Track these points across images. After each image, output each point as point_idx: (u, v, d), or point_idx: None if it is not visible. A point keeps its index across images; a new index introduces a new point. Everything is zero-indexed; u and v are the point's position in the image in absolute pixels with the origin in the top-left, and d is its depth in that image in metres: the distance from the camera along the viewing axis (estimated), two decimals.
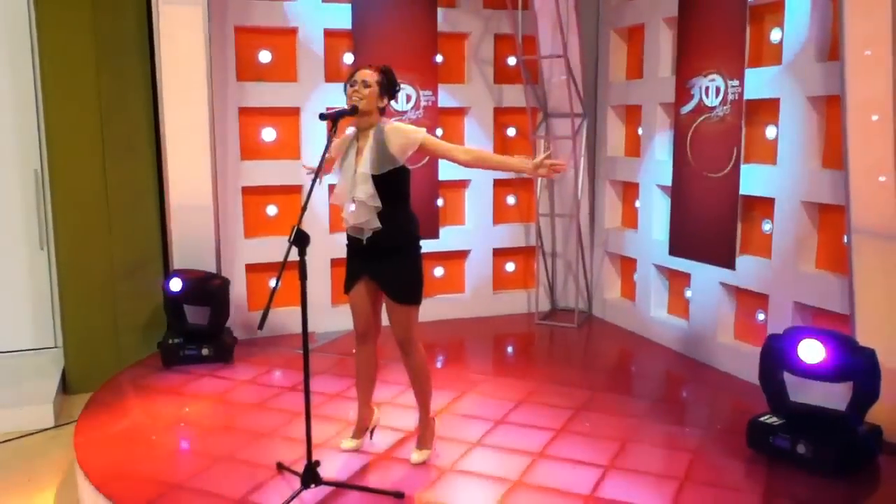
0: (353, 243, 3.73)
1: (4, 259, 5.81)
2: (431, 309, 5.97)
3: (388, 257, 3.65)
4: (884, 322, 4.00)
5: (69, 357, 5.62)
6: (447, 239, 6.35)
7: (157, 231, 5.74)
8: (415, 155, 3.60)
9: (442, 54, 6.26)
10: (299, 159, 5.97)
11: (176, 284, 5.32)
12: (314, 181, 3.43)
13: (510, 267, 6.86)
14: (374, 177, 3.53)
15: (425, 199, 5.80)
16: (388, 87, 3.66)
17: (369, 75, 3.60)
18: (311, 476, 3.42)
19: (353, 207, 3.59)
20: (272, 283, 3.33)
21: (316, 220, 5.95)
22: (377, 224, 3.58)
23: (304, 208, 3.42)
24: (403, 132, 3.58)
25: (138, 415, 4.53)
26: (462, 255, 6.65)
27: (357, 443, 3.99)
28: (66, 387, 5.56)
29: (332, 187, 3.81)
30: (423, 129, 3.62)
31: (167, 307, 5.41)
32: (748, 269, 5.03)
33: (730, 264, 4.93)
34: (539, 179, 6.49)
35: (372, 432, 4.05)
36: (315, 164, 3.56)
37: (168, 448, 4.13)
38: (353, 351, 3.94)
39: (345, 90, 3.64)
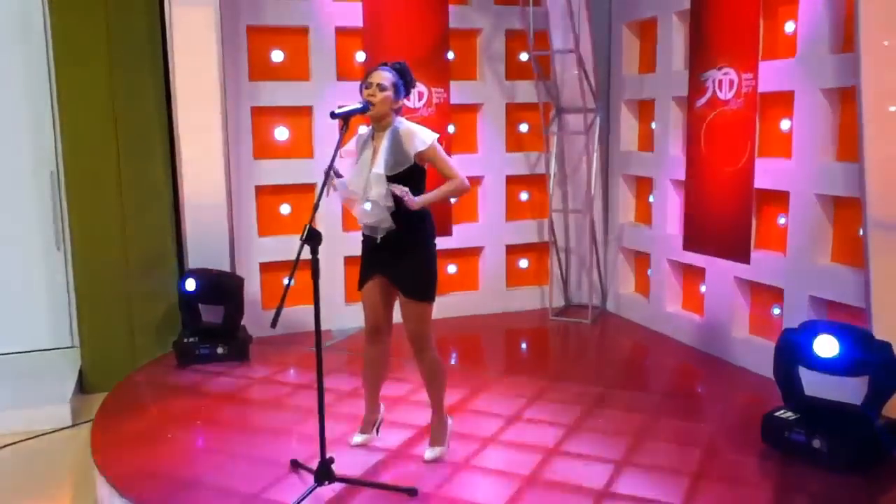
0: (367, 241, 3.74)
1: (22, 260, 5.86)
2: (445, 306, 5.95)
3: (402, 254, 3.66)
4: None
5: (86, 356, 5.66)
6: (460, 236, 6.34)
7: (171, 230, 5.77)
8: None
9: (453, 51, 6.25)
10: (312, 158, 6.00)
11: (190, 283, 5.35)
12: (326, 180, 3.44)
13: (524, 263, 6.85)
14: (388, 177, 3.54)
15: None
16: (405, 87, 3.66)
17: (385, 78, 3.59)
18: (325, 473, 3.43)
19: (367, 207, 3.61)
20: (286, 281, 3.35)
21: (329, 219, 5.96)
22: (391, 224, 3.59)
23: (315, 207, 3.43)
24: (415, 136, 3.58)
25: (154, 413, 4.56)
26: (475, 251, 6.65)
27: (366, 437, 4.01)
28: (82, 386, 5.60)
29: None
30: (435, 137, 3.61)
31: (182, 306, 5.45)
32: (763, 263, 5.00)
33: (744, 258, 4.89)
34: (552, 175, 6.48)
35: (378, 427, 4.06)
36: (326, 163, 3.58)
37: (184, 446, 4.16)
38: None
39: (361, 90, 3.64)
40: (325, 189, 3.56)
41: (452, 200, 3.57)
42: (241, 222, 5.84)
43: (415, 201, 3.52)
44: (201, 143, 5.47)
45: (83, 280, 5.61)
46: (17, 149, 5.78)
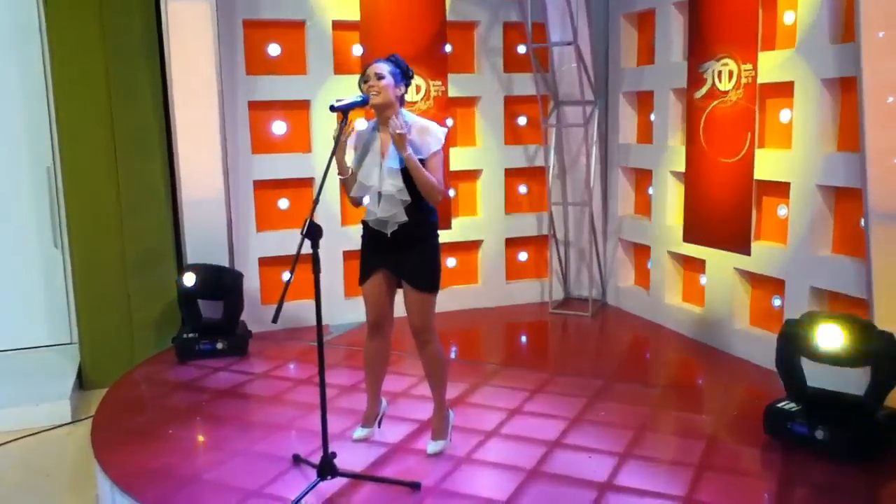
0: (373, 235, 3.72)
1: (19, 257, 5.85)
2: (445, 299, 5.91)
3: (409, 246, 3.65)
4: None
5: (85, 353, 5.65)
6: (460, 229, 6.34)
7: (169, 226, 5.75)
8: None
9: (451, 44, 6.23)
10: (310, 152, 5.98)
11: (189, 279, 5.33)
12: (325, 173, 3.42)
13: (523, 256, 6.84)
14: (401, 170, 3.53)
15: None
16: (402, 74, 3.65)
17: (381, 68, 3.58)
18: (327, 468, 3.42)
19: (365, 201, 3.59)
20: (285, 276, 3.34)
21: (328, 213, 5.94)
22: (404, 217, 3.58)
23: (315, 201, 3.41)
24: (429, 133, 3.58)
25: (154, 409, 4.54)
26: (475, 245, 6.64)
27: (368, 431, 4.01)
28: (82, 383, 5.59)
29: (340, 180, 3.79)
30: (444, 133, 3.62)
31: (181, 302, 5.43)
32: (764, 255, 4.99)
33: (745, 250, 4.89)
34: (551, 168, 6.46)
35: (380, 421, 4.06)
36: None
37: (185, 442, 4.15)
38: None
39: (360, 87, 3.62)
40: (341, 133, 3.48)
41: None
42: (240, 217, 5.82)
43: (409, 150, 3.47)
44: (198, 138, 5.45)
45: (82, 277, 5.59)
46: (14, 145, 5.76)
